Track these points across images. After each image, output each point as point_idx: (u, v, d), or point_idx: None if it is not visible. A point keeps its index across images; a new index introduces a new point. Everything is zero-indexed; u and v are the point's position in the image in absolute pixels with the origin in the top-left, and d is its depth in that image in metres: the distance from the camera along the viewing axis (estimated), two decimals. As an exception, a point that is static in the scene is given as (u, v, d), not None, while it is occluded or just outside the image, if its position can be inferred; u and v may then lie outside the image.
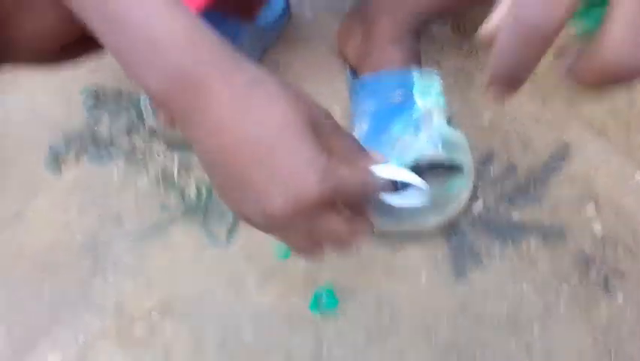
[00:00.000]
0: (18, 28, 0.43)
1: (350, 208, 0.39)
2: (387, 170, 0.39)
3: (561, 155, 0.76)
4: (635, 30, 0.22)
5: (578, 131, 0.78)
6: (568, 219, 0.71)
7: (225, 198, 0.36)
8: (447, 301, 0.66)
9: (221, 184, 0.35)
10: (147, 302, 0.68)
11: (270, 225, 0.34)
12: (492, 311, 0.65)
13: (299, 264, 0.69)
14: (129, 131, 0.84)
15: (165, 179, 0.78)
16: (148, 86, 0.33)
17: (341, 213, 0.36)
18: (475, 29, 0.88)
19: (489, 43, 0.27)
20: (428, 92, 0.71)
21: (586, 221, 0.70)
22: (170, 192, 0.77)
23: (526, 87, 0.81)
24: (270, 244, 0.71)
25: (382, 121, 0.70)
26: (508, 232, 0.70)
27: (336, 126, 0.37)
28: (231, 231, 0.72)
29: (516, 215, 0.71)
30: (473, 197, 0.72)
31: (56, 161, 0.82)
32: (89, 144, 0.83)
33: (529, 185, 0.74)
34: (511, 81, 0.26)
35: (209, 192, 0.76)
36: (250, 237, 0.72)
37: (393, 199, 0.43)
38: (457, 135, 0.70)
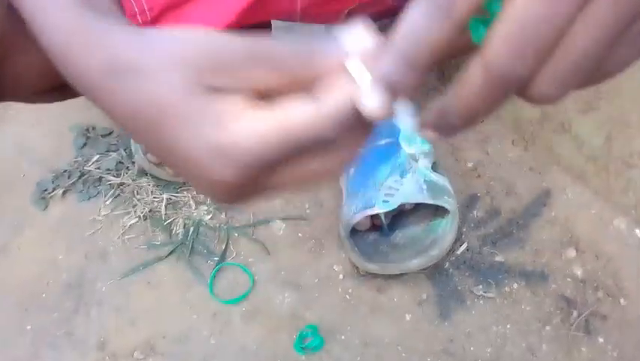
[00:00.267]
0: (15, 65, 0.43)
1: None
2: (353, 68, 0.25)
3: (542, 200, 0.78)
4: (514, 40, 0.21)
5: (559, 176, 0.80)
6: (550, 263, 0.72)
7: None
8: (431, 342, 0.67)
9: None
10: (131, 341, 0.67)
11: (230, 200, 0.28)
12: (476, 352, 0.66)
13: (284, 302, 0.70)
14: (118, 170, 0.85)
15: (152, 216, 0.79)
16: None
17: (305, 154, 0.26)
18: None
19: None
20: (413, 139, 0.73)
21: (567, 264, 0.72)
22: (156, 230, 0.77)
23: (509, 133, 0.84)
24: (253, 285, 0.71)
25: (369, 165, 0.72)
26: (492, 274, 0.71)
27: (251, 48, 0.25)
28: (218, 269, 0.73)
29: (499, 258, 0.73)
30: (457, 239, 0.73)
31: (43, 197, 0.82)
32: (77, 181, 0.84)
33: (512, 228, 0.75)
34: (464, 125, 0.24)
35: (196, 229, 0.77)
36: (236, 276, 0.72)
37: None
38: (441, 179, 0.72)
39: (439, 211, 0.72)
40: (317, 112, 0.24)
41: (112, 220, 0.79)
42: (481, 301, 0.69)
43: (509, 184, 0.80)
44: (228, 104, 0.25)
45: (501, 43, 0.21)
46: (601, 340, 0.66)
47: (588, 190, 0.78)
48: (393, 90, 0.22)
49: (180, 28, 0.26)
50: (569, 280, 0.71)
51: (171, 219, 0.78)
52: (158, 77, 0.25)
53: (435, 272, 0.71)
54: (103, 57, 0.27)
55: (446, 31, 0.22)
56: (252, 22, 0.53)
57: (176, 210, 0.79)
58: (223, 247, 0.75)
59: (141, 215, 0.79)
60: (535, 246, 0.74)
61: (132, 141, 0.84)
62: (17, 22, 0.38)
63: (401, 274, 0.70)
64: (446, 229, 0.71)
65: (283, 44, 0.25)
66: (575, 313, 0.68)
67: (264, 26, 0.67)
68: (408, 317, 0.68)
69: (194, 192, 0.81)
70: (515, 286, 0.70)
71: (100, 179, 0.84)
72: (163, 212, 0.79)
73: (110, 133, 0.90)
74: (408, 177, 0.71)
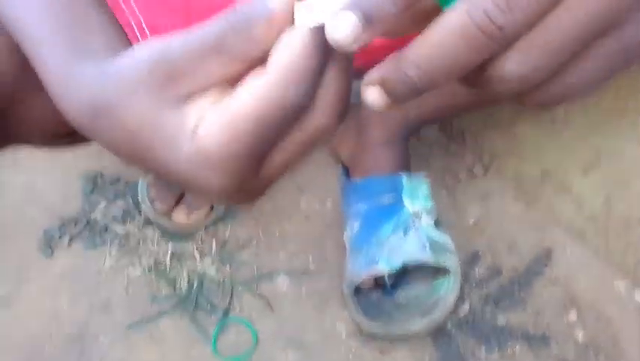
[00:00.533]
0: (30, 109, 0.45)
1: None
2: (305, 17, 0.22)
3: (543, 259, 0.78)
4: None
5: (560, 235, 0.81)
6: (551, 325, 0.72)
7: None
8: (433, 406, 0.67)
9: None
10: (132, 398, 0.68)
11: (236, 201, 0.27)
12: (478, 418, 0.66)
13: (287, 362, 0.70)
14: (124, 219, 0.86)
15: (157, 268, 0.79)
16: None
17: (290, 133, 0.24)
18: (462, 132, 0.93)
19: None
20: (416, 196, 0.74)
21: (569, 327, 0.72)
22: (161, 282, 0.78)
23: (511, 190, 0.85)
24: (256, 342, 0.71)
25: (373, 222, 0.73)
26: (494, 336, 0.71)
27: (196, 42, 0.23)
28: (221, 325, 0.73)
29: (501, 318, 0.73)
30: (459, 299, 0.73)
31: (49, 245, 0.83)
32: (84, 229, 0.85)
33: (514, 288, 0.76)
34: (422, 81, 0.21)
35: (201, 283, 0.77)
36: (240, 332, 0.73)
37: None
38: (444, 238, 0.73)
39: (441, 269, 0.72)
40: (266, 83, 0.22)
41: (116, 271, 0.79)
42: (484, 364, 0.70)
43: (511, 241, 0.81)
44: (196, 109, 0.24)
45: None
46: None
47: (588, 250, 0.79)
48: (368, 19, 0.20)
49: (138, 48, 0.26)
50: (570, 343, 0.71)
51: (175, 271, 0.79)
52: (128, 105, 0.25)
53: (437, 334, 0.71)
54: (82, 103, 0.27)
55: None
56: None
57: (180, 262, 0.80)
58: (227, 301, 0.75)
59: (146, 266, 0.79)
60: (536, 307, 0.74)
61: (139, 189, 0.85)
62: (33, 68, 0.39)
63: (403, 337, 0.70)
64: (449, 289, 0.71)
65: (218, 25, 0.23)
66: (576, 379, 0.68)
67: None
68: (410, 379, 0.69)
69: (199, 243, 0.82)
70: (518, 348, 0.71)
71: (106, 228, 0.85)
72: (167, 264, 0.79)
73: (118, 180, 0.91)
74: (411, 235, 0.72)
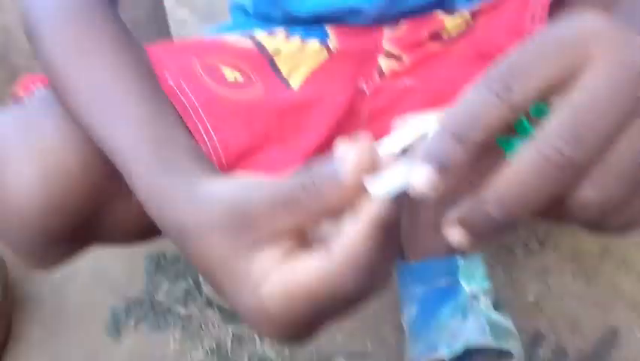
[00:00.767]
0: (115, 212, 0.48)
1: None
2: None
3: (610, 340, 0.76)
4: (575, 124, 0.20)
5: (625, 314, 0.79)
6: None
7: None
8: None
9: None
10: None
11: (288, 343, 0.29)
12: None
13: None
14: (186, 299, 0.89)
15: (219, 352, 0.81)
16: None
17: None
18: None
19: None
20: (473, 277, 0.74)
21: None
22: (223, 366, 0.80)
23: (569, 266, 0.84)
24: None
25: (430, 306, 0.73)
26: None
27: (269, 196, 0.25)
28: (282, 411, 0.74)
29: (569, 404, 0.71)
30: (524, 384, 0.72)
31: (117, 326, 0.87)
32: (148, 310, 0.88)
33: (581, 371, 0.74)
34: (504, 219, 0.21)
35: (261, 366, 0.79)
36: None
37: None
38: (504, 320, 0.72)
39: (503, 352, 0.71)
40: (329, 270, 0.23)
41: (180, 354, 0.82)
42: None
43: (573, 321, 0.79)
44: (263, 260, 0.26)
45: (561, 126, 0.20)
46: None
47: (658, 330, 0.76)
48: (443, 166, 0.21)
49: (223, 185, 0.29)
50: None
51: (237, 355, 0.80)
52: (205, 241, 0.28)
53: (503, 421, 0.69)
54: (171, 219, 0.30)
55: (502, 111, 0.21)
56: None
57: (241, 345, 0.82)
58: (287, 386, 0.76)
59: (208, 349, 0.81)
60: (606, 392, 0.71)
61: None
62: (119, 175, 0.43)
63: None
64: (512, 374, 0.70)
65: (292, 182, 0.24)
66: None
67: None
68: None
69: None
70: None
71: (169, 309, 0.88)
72: (229, 347, 0.81)
73: (179, 260, 0.95)
74: (470, 319, 0.71)
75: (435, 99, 0.58)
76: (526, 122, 0.22)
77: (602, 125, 0.20)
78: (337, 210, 0.24)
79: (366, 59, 0.59)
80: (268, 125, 0.54)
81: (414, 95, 0.59)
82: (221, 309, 0.86)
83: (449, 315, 0.72)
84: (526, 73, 0.21)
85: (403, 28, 0.58)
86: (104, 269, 0.95)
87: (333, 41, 0.58)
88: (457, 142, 0.21)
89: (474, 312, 0.72)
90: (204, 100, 0.50)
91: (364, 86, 0.60)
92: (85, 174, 0.42)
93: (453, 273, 0.74)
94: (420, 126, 0.24)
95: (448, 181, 0.21)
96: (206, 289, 0.87)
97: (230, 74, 0.53)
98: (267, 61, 0.56)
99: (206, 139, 0.51)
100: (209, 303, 0.87)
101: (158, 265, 0.95)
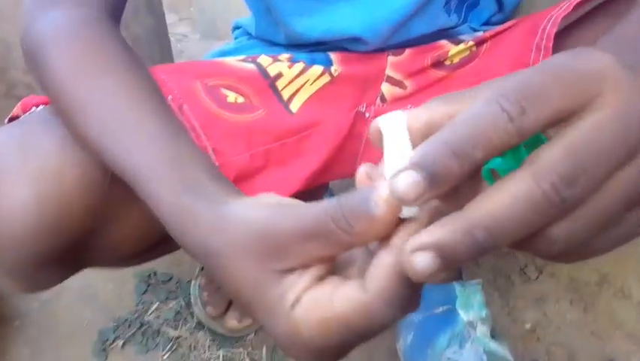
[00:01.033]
0: (112, 234, 0.47)
1: None
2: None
3: (608, 371, 0.75)
4: (574, 161, 0.20)
5: (622, 342, 0.78)
6: None
7: None
8: None
9: None
10: None
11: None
12: None
13: None
14: (176, 320, 0.87)
15: (209, 376, 0.79)
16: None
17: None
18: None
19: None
20: (471, 305, 0.73)
21: None
22: (213, 391, 0.77)
23: (566, 294, 0.83)
24: None
25: (427, 333, 0.72)
26: None
27: (298, 225, 0.25)
28: None
29: None
30: (521, 415, 0.70)
31: (104, 347, 0.84)
32: (137, 331, 0.86)
33: (578, 403, 0.72)
34: (492, 244, 0.20)
35: (252, 392, 0.77)
36: None
37: None
38: (501, 349, 0.71)
39: (500, 383, 0.70)
40: (364, 302, 0.23)
41: (169, 378, 0.80)
42: None
43: (571, 350, 0.78)
44: (296, 284, 0.25)
45: (563, 163, 0.20)
46: None
47: (656, 362, 0.75)
48: (434, 178, 0.20)
49: (249, 207, 0.28)
50: None
51: (227, 380, 0.78)
52: (235, 263, 0.27)
53: None
54: (195, 240, 0.30)
55: (509, 134, 0.20)
56: (313, 187, 0.56)
57: (232, 370, 0.80)
58: (279, 413, 0.74)
59: (198, 373, 0.79)
60: None
61: (192, 290, 0.87)
62: (117, 195, 0.41)
63: None
64: (509, 405, 0.68)
65: (322, 214, 0.24)
66: None
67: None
68: None
69: (249, 349, 0.82)
70: None
71: (158, 331, 0.86)
72: (219, 371, 0.79)
73: (170, 279, 0.93)
74: (467, 347, 0.70)
75: None
76: (522, 148, 0.22)
77: (601, 171, 0.20)
78: (368, 242, 0.24)
79: (368, 84, 0.58)
80: (268, 148, 0.53)
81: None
82: (211, 332, 0.84)
83: (446, 344, 0.70)
84: (543, 99, 0.20)
85: (406, 54, 0.58)
86: (94, 287, 0.93)
87: (335, 66, 0.57)
88: (454, 157, 0.20)
89: (471, 342, 0.70)
90: (204, 121, 0.49)
91: (365, 111, 0.59)
92: (81, 196, 0.41)
93: (451, 300, 0.73)
94: (396, 128, 0.23)
95: (433, 193, 0.20)
96: (196, 310, 0.85)
97: (232, 96, 0.53)
98: (269, 84, 0.55)
99: None
100: (200, 325, 0.85)
101: (149, 284, 0.93)
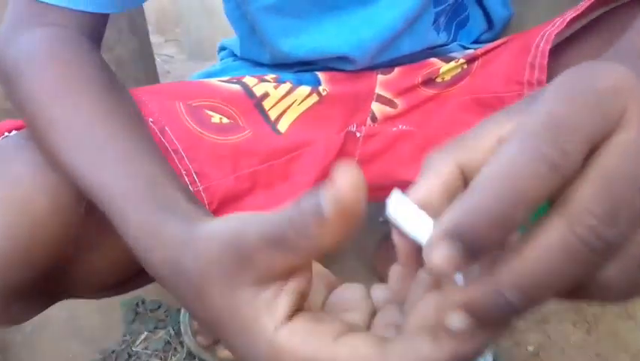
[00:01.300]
0: (87, 263, 0.45)
1: None
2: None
3: (615, 396, 0.72)
4: (609, 200, 0.18)
5: (628, 366, 0.75)
6: None
7: None
8: None
9: None
10: None
11: None
12: None
13: None
14: (165, 351, 0.84)
15: (200, 410, 0.76)
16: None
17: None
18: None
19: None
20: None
21: None
22: None
23: (569, 314, 0.80)
24: None
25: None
26: None
27: (263, 232, 0.23)
28: None
29: None
30: None
31: (90, 382, 0.81)
32: (125, 363, 0.82)
33: None
34: (524, 303, 0.18)
35: None
36: None
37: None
38: (503, 375, 0.68)
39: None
40: (362, 344, 0.22)
41: (157, 412, 0.76)
42: None
43: (576, 374, 0.75)
44: (273, 306, 0.23)
45: (595, 198, 0.17)
46: None
47: (664, 384, 0.72)
48: (467, 244, 0.18)
49: (220, 221, 0.26)
50: None
51: (219, 413, 0.75)
52: (204, 280, 0.25)
53: None
54: (165, 258, 0.28)
55: (553, 181, 0.18)
56: None
57: (223, 402, 0.76)
58: None
59: (187, 407, 0.76)
60: None
61: (181, 320, 0.84)
62: (93, 222, 0.39)
63: None
64: None
65: (282, 215, 0.22)
66: None
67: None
68: None
69: (242, 379, 0.78)
70: None
71: (147, 362, 0.82)
72: (210, 405, 0.76)
73: (159, 307, 0.90)
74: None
75: (430, 144, 0.55)
76: None
77: (638, 197, 0.18)
78: (329, 248, 0.21)
79: (358, 103, 0.57)
80: (255, 170, 0.51)
81: (408, 139, 0.57)
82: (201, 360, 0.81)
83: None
84: (577, 133, 0.18)
85: (396, 73, 0.56)
86: (79, 318, 0.89)
87: (324, 86, 0.56)
88: (494, 227, 0.17)
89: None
90: (187, 144, 0.48)
91: (356, 131, 0.57)
92: (53, 224, 0.39)
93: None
94: (403, 209, 0.21)
95: (470, 263, 0.18)
96: (187, 339, 0.81)
97: (216, 117, 0.51)
98: (254, 103, 0.53)
99: (189, 184, 0.48)
100: (191, 355, 0.82)
101: (137, 312, 0.89)
